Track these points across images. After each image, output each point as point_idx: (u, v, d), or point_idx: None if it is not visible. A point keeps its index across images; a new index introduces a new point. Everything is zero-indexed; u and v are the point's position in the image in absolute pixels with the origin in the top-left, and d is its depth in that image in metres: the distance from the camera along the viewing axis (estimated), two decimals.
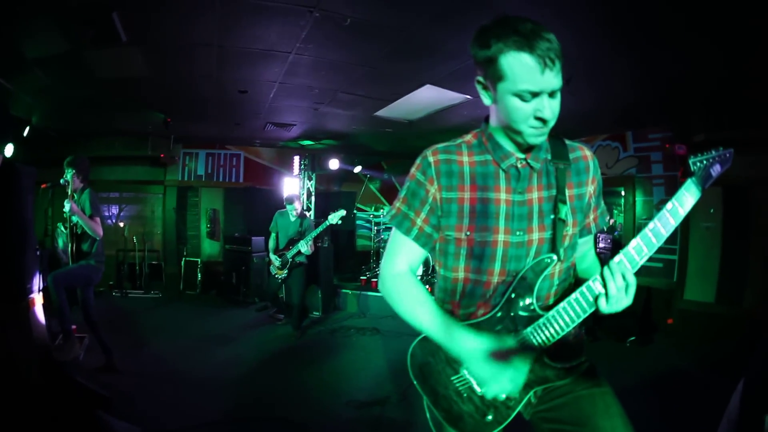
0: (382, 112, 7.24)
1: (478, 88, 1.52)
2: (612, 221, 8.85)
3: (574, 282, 1.72)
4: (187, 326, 7.27)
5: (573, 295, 1.50)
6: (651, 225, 1.43)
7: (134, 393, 4.39)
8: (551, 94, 1.39)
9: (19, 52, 4.91)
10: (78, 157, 4.84)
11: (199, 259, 9.99)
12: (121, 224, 9.92)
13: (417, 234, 1.65)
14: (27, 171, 4.21)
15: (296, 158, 10.26)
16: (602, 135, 8.32)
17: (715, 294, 6.70)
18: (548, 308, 1.54)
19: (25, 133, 7.18)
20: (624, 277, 1.41)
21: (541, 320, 1.53)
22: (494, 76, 1.42)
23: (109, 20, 4.06)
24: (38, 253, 4.86)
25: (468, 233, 1.57)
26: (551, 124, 1.43)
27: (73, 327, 4.72)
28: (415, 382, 1.73)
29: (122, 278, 9.64)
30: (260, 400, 4.46)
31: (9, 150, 6.19)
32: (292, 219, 6.83)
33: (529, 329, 1.54)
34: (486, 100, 1.52)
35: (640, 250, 1.44)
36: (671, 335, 6.77)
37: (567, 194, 1.58)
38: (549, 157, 1.59)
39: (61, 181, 4.70)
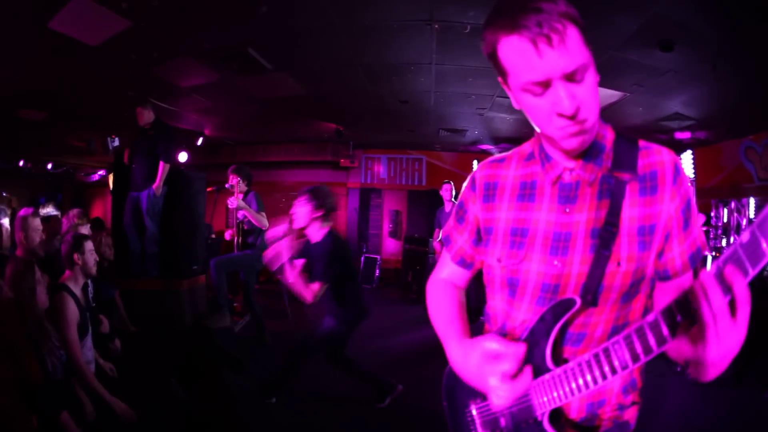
0: None
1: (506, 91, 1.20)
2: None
3: None
4: None
5: (604, 345, 1.09)
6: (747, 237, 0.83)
7: (269, 364, 4.84)
8: (569, 79, 1.03)
9: (173, 84, 5.98)
10: (240, 165, 5.70)
11: (378, 256, 10.72)
12: None
13: (456, 254, 1.48)
14: (197, 176, 5.18)
15: (475, 162, 10.38)
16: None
17: None
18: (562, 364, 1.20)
19: (199, 143, 8.54)
20: (729, 290, 0.87)
21: (547, 375, 1.19)
22: (501, 74, 1.13)
23: (247, 54, 4.75)
24: (209, 241, 5.82)
25: (500, 260, 1.30)
26: (586, 117, 1.07)
27: (236, 305, 5.55)
28: (444, 404, 1.52)
29: None
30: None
31: (183, 157, 7.50)
32: (447, 211, 7.14)
33: (534, 382, 1.21)
34: (514, 103, 1.19)
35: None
36: None
37: (623, 216, 1.18)
38: (610, 165, 1.20)
39: (227, 185, 5.57)
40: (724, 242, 6.18)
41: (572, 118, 1.05)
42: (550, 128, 1.10)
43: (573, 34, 1.01)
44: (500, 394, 1.16)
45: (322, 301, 3.69)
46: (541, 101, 1.07)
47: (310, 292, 3.49)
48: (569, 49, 1.00)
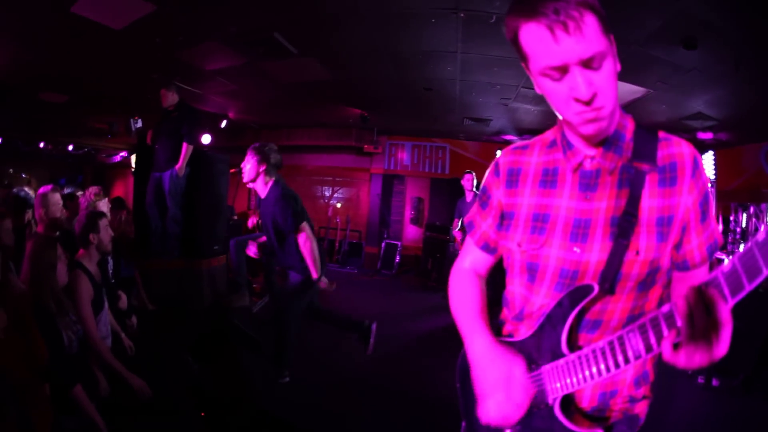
0: None
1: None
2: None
3: None
4: (370, 301, 7.84)
5: (619, 333, 1.13)
6: (762, 236, 0.87)
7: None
8: (586, 65, 1.06)
9: (198, 67, 6.01)
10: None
11: (399, 243, 10.72)
12: (338, 205, 11.22)
13: (480, 238, 1.50)
14: (220, 158, 5.22)
15: (498, 152, 10.29)
16: None
17: None
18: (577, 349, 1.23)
19: (223, 125, 8.59)
20: (708, 311, 0.93)
21: (561, 360, 1.23)
22: (522, 59, 1.17)
23: (273, 39, 4.73)
24: (230, 222, 5.87)
25: (520, 245, 1.33)
26: (603, 104, 1.10)
27: (255, 285, 5.59)
28: (457, 386, 1.55)
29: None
30: (392, 373, 4.67)
31: (206, 139, 7.54)
32: (468, 201, 7.12)
33: (547, 367, 1.26)
34: (535, 87, 1.21)
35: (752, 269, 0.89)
36: None
37: (642, 206, 1.19)
38: (630, 155, 1.22)
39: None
40: (741, 247, 6.09)
41: (588, 103, 1.09)
42: (568, 113, 1.14)
43: (590, 22, 1.03)
44: (490, 413, 1.26)
45: (286, 258, 3.94)
46: (559, 86, 1.10)
47: (301, 242, 3.79)
48: (586, 36, 1.03)
